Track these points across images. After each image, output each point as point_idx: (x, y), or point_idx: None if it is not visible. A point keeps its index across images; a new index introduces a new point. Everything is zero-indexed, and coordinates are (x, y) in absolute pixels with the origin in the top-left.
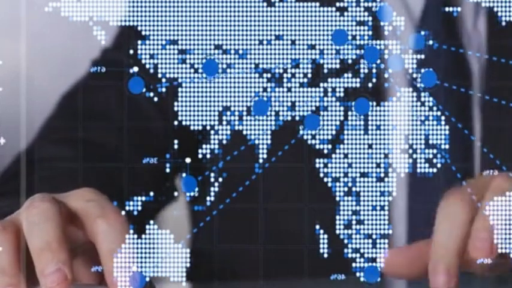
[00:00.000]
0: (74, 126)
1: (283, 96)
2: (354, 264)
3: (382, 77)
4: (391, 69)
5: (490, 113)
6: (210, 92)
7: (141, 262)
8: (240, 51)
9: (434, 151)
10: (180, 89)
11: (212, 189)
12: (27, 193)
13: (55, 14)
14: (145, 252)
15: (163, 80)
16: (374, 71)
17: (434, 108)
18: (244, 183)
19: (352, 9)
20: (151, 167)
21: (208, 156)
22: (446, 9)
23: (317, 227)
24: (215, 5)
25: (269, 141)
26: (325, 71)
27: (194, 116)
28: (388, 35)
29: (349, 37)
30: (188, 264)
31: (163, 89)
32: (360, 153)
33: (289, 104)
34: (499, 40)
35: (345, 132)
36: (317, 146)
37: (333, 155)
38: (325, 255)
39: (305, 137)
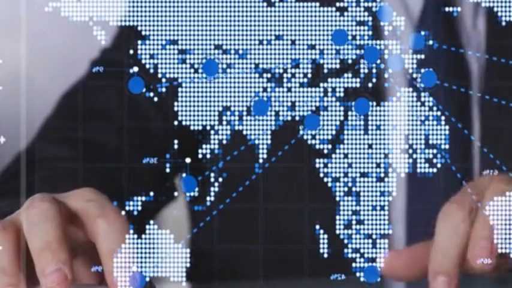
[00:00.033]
0: (74, 126)
1: (283, 96)
2: (354, 264)
3: (382, 77)
4: (391, 69)
5: (490, 113)
6: (210, 92)
7: (141, 262)
8: (240, 51)
9: (434, 151)
10: (180, 89)
11: (212, 189)
12: (27, 193)
13: (55, 14)
14: (145, 252)
15: (163, 80)
16: (374, 71)
17: (434, 108)
18: (244, 183)
19: (352, 9)
20: (151, 167)
21: (208, 156)
22: (446, 9)
23: (317, 227)
24: (215, 5)
25: (269, 141)
26: (325, 71)
27: (194, 116)
28: (388, 35)
29: (349, 37)
30: (188, 264)
31: (163, 89)
32: (360, 153)
33: (289, 104)
34: (498, 40)
35: (345, 132)
36: (317, 146)
37: (333, 155)
38: (325, 255)
39: (305, 137)
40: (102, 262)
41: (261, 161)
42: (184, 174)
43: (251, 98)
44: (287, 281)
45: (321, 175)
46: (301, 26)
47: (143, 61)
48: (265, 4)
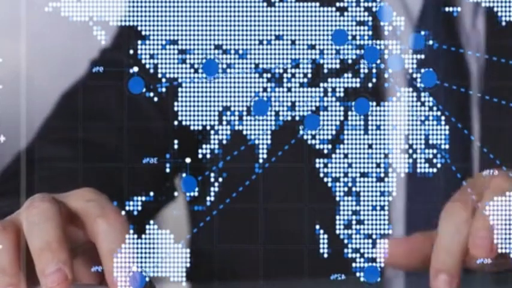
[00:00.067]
0: (74, 126)
1: (283, 96)
2: (354, 264)
3: (382, 77)
4: (391, 69)
5: (490, 113)
6: (210, 92)
7: (141, 262)
8: (240, 51)
9: (434, 151)
10: (180, 89)
11: (212, 189)
12: (27, 193)
13: (55, 14)
14: (145, 252)
15: (163, 80)
16: (374, 71)
17: (434, 108)
18: (244, 183)
19: (352, 9)
20: (151, 167)
21: (208, 156)
22: (446, 9)
23: (317, 227)
24: (215, 5)
25: (269, 141)
26: (325, 71)
27: (194, 116)
28: (388, 35)
29: (349, 37)
30: (188, 264)
31: (163, 89)
32: (360, 153)
33: (289, 104)
34: (498, 40)
35: (345, 132)
36: (317, 146)
37: (333, 155)
38: (325, 255)
39: (305, 137)
40: (102, 262)
41: (261, 161)
42: (184, 174)
43: (251, 98)
44: (287, 281)
45: (321, 175)
46: (301, 26)
47: (143, 61)
48: (265, 4)
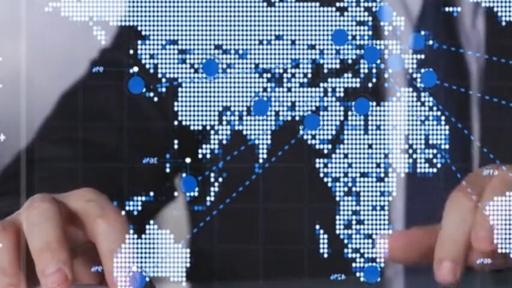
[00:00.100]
0: (74, 126)
1: (283, 96)
2: (354, 264)
3: (382, 77)
4: (391, 69)
5: (490, 113)
6: (210, 92)
7: (141, 262)
8: (240, 51)
9: (434, 151)
10: (180, 89)
11: (212, 189)
12: (27, 193)
13: (55, 14)
14: (145, 252)
15: (163, 80)
16: (374, 71)
17: (434, 108)
18: (244, 183)
19: (352, 9)
20: (151, 167)
21: (208, 156)
22: (446, 9)
23: (317, 227)
24: (215, 5)
25: (269, 141)
26: (325, 71)
27: (194, 116)
28: (388, 35)
29: (349, 37)
30: (188, 264)
31: (163, 89)
32: (360, 153)
33: (289, 104)
34: (498, 40)
35: (345, 132)
36: (317, 146)
37: (333, 155)
38: (325, 255)
39: (305, 137)
40: (102, 262)
41: (261, 161)
42: (184, 174)
43: (251, 98)
44: (287, 281)
45: (321, 175)
46: (301, 26)
47: (143, 61)
48: (265, 4)
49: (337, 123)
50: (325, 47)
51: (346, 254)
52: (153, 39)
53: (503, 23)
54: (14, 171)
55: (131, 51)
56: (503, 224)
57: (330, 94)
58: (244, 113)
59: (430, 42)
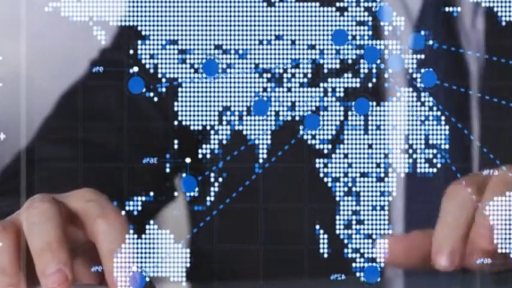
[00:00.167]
0: (74, 126)
1: (283, 96)
2: (354, 264)
3: (382, 77)
4: (391, 69)
5: (490, 113)
6: (210, 92)
7: (141, 262)
8: (240, 51)
9: (434, 151)
10: (180, 89)
11: (212, 189)
12: (27, 193)
13: (55, 14)
14: (145, 252)
15: (163, 80)
16: (374, 71)
17: (434, 108)
18: (244, 183)
19: (352, 9)
20: (151, 167)
21: (208, 156)
22: (446, 9)
23: (317, 227)
24: (215, 5)
25: (269, 141)
26: (325, 71)
27: (194, 116)
28: (388, 35)
29: (349, 37)
30: (188, 264)
31: (163, 89)
32: (360, 153)
33: (289, 104)
34: (498, 40)
35: (345, 132)
36: (317, 146)
37: (333, 155)
38: (325, 255)
39: (305, 137)
40: (102, 262)
41: (261, 161)
42: (184, 174)
43: (251, 98)
44: (287, 281)
45: (321, 175)
46: (301, 26)
47: (143, 61)
48: (265, 4)
49: (337, 123)
50: (325, 47)
51: (346, 254)
52: (153, 39)
53: (503, 23)
54: (14, 171)
55: (131, 51)
56: (503, 224)
57: (330, 94)
58: (244, 113)
59: (430, 42)
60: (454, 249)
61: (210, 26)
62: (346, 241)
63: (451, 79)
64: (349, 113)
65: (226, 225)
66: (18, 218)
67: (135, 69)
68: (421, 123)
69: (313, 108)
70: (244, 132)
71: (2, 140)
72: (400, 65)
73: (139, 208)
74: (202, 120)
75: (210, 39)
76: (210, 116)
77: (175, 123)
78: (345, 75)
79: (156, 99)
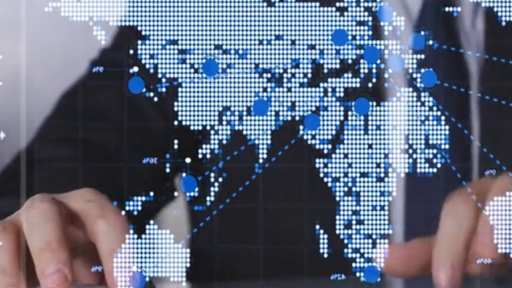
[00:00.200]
0: (74, 126)
1: (283, 96)
2: (354, 264)
3: (382, 77)
4: (391, 69)
5: (490, 113)
6: (210, 92)
7: (141, 262)
8: (240, 51)
9: (434, 151)
10: (180, 89)
11: (212, 189)
12: (27, 193)
13: (55, 14)
14: (145, 252)
15: (163, 80)
16: (374, 71)
17: (434, 108)
18: (244, 183)
19: (352, 9)
20: (151, 167)
21: (208, 156)
22: (446, 9)
23: (317, 227)
24: (215, 5)
25: (269, 141)
26: (325, 71)
27: (194, 116)
28: (388, 35)
29: (349, 37)
30: (188, 264)
31: (163, 89)
32: (360, 153)
33: (289, 104)
34: (498, 40)
35: (345, 132)
36: (317, 146)
37: (333, 155)
38: (325, 255)
39: (305, 137)
40: (102, 262)
41: (261, 161)
42: (184, 174)
43: (251, 98)
44: (287, 281)
45: (321, 175)
46: (301, 26)
47: (143, 61)
48: (265, 4)
49: (337, 123)
50: (325, 47)
51: (346, 254)
52: (153, 39)
53: (503, 23)
54: (14, 171)
55: (131, 51)
56: (505, 225)
57: (330, 94)
58: (244, 113)
59: (430, 42)
60: (454, 266)
61: (210, 26)
62: (346, 241)
63: (451, 79)
64: (349, 113)
65: (226, 225)
66: (18, 218)
67: (135, 69)
68: (421, 123)
69: (313, 108)
70: (244, 132)
71: (2, 139)
72: (400, 65)
73: (139, 208)
74: (202, 120)
75: (210, 39)
76: (210, 116)
77: (175, 123)
78: (345, 75)
79: (156, 99)
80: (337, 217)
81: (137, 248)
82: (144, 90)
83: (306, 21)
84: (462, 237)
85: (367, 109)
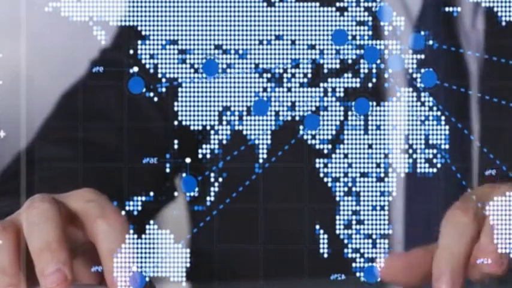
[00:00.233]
0: (74, 126)
1: (283, 96)
2: (354, 264)
3: (382, 77)
4: (391, 69)
5: (490, 113)
6: (210, 92)
7: (141, 262)
8: (240, 51)
9: (434, 151)
10: (180, 89)
11: (212, 189)
12: (27, 193)
13: (55, 14)
14: (145, 252)
15: (163, 80)
16: (374, 71)
17: (434, 108)
18: (244, 183)
19: (352, 9)
20: (151, 167)
21: (208, 156)
22: (446, 9)
23: (317, 227)
24: (215, 5)
25: (269, 141)
26: (325, 71)
27: (194, 116)
28: (388, 35)
29: (349, 37)
30: (188, 264)
31: (163, 89)
32: (360, 153)
33: (289, 104)
34: (498, 40)
35: (345, 132)
36: (317, 146)
37: (333, 155)
38: (325, 255)
39: (305, 137)
40: (102, 262)
41: (261, 161)
42: (184, 174)
43: (251, 98)
44: (287, 281)
45: (321, 175)
46: (301, 26)
47: (143, 61)
48: (265, 4)
49: (337, 123)
50: (325, 47)
51: (346, 254)
52: (153, 39)
53: (503, 23)
54: (14, 171)
55: (131, 51)
56: (504, 228)
57: (330, 94)
58: (244, 113)
59: (430, 42)
60: (454, 276)
61: (210, 26)
62: (346, 241)
63: (451, 79)
64: (349, 113)
65: (226, 225)
66: (18, 218)
67: (135, 69)
68: (421, 123)
69: (313, 108)
70: (244, 132)
71: (2, 138)
72: (400, 65)
73: (139, 208)
74: (202, 120)
75: (210, 39)
76: (210, 116)
77: (175, 123)
78: (345, 75)
79: (156, 99)
80: (337, 217)
81: (137, 248)
82: (144, 90)
83: (306, 21)
84: (463, 247)
85: (367, 109)
